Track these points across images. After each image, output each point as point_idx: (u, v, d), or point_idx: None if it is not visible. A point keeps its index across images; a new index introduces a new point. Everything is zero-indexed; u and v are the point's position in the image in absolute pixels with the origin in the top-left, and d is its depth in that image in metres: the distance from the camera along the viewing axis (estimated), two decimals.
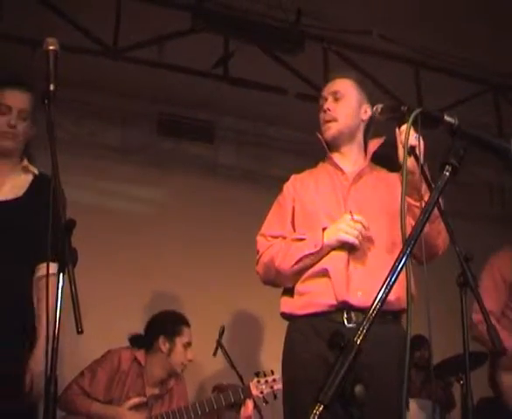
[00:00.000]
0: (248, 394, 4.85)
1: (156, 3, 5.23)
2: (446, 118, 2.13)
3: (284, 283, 3.34)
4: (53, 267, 3.08)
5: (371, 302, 2.71)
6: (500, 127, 6.22)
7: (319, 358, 3.02)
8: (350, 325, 3.07)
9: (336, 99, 3.39)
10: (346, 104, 3.39)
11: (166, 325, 4.98)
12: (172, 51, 5.53)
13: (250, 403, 4.85)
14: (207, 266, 6.51)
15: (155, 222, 6.56)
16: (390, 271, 1.88)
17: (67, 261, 2.23)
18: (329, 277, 3.14)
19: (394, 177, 3.39)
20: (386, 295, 1.85)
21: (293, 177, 3.51)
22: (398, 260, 1.89)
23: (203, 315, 5.78)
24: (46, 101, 2.55)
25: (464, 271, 2.45)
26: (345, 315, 3.09)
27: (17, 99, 3.29)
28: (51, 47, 2.60)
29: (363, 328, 1.78)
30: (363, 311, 2.97)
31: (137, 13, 5.24)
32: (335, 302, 3.10)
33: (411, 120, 2.09)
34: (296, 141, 6.55)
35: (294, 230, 3.36)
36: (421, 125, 2.13)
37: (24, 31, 5.04)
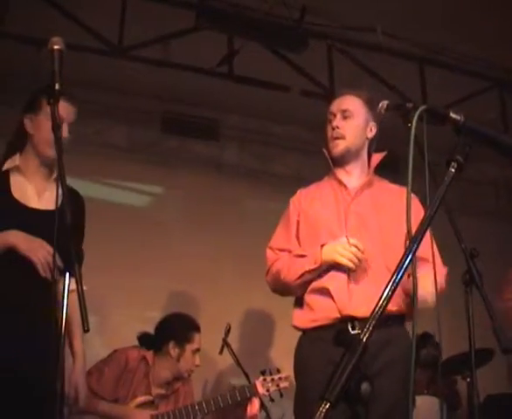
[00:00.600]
0: (254, 393, 4.85)
1: (161, 2, 5.23)
2: (452, 115, 2.13)
3: (291, 293, 3.51)
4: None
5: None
6: (505, 123, 6.21)
7: (328, 362, 2.99)
8: (355, 331, 3.19)
9: (345, 117, 3.45)
10: (354, 123, 3.46)
11: (177, 330, 4.97)
12: (177, 49, 5.54)
13: (256, 402, 4.85)
14: (213, 265, 6.52)
15: (160, 220, 6.57)
16: (396, 268, 1.88)
17: (73, 261, 2.22)
18: (331, 296, 3.27)
19: (396, 189, 3.54)
20: (392, 292, 1.85)
21: (299, 192, 3.62)
22: (404, 258, 1.88)
23: (209, 313, 5.79)
24: (52, 101, 2.56)
25: (469, 268, 2.45)
26: (349, 324, 3.22)
27: (70, 112, 3.29)
28: (56, 46, 2.61)
29: (369, 326, 1.79)
30: (365, 320, 3.01)
31: (142, 12, 5.24)
32: (339, 316, 3.25)
33: (415, 118, 2.09)
34: (301, 139, 6.55)
35: (299, 243, 3.49)
36: (426, 122, 2.13)
37: (29, 31, 5.04)
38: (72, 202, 3.15)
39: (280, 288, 3.53)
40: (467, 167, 2.03)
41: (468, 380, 4.93)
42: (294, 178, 6.25)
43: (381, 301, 1.83)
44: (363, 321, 3.00)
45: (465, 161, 2.03)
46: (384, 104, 2.60)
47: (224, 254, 6.68)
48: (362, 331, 2.92)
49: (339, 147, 3.45)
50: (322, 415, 1.64)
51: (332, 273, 3.30)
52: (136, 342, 4.97)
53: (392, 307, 3.13)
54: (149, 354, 4.90)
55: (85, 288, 3.30)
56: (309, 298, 3.38)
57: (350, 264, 3.23)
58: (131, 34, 5.30)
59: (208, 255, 6.55)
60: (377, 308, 1.82)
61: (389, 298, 1.84)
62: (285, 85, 5.88)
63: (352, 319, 3.21)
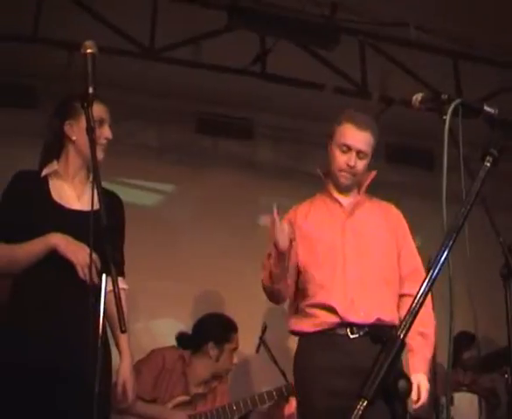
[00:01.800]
0: (291, 392, 4.85)
1: (192, 3, 5.24)
2: (486, 108, 2.11)
3: (278, 298, 3.63)
4: (120, 282, 3.15)
5: (371, 319, 3.25)
6: None
7: (325, 368, 3.34)
8: (354, 335, 3.37)
9: (360, 158, 3.52)
10: (366, 162, 3.56)
11: (216, 330, 5.00)
12: (209, 49, 5.55)
13: (293, 401, 4.85)
14: (249, 264, 6.51)
15: (194, 220, 6.58)
16: (433, 264, 1.87)
17: (110, 262, 2.24)
18: (335, 309, 3.39)
19: (385, 206, 3.73)
20: (429, 289, 1.84)
21: (293, 209, 3.76)
22: (440, 254, 1.87)
23: (245, 313, 5.79)
24: (86, 104, 2.57)
25: (507, 262, 2.42)
26: (348, 329, 3.38)
27: (107, 112, 3.36)
28: (89, 50, 2.62)
29: (406, 322, 1.78)
30: (363, 326, 3.34)
31: (173, 13, 5.26)
32: (339, 321, 3.38)
33: (450, 110, 2.08)
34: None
35: (298, 259, 3.59)
36: (461, 115, 2.12)
37: (60, 35, 5.09)
38: (110, 203, 3.20)
39: (269, 295, 3.63)
40: (501, 160, 2.02)
41: (506, 376, 4.88)
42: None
43: (418, 297, 1.82)
44: (361, 327, 3.34)
45: (499, 155, 2.01)
46: (418, 96, 2.58)
47: (261, 254, 6.68)
48: (359, 336, 3.30)
49: (348, 181, 3.58)
50: (360, 412, 1.63)
51: (334, 287, 3.42)
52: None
53: (386, 318, 3.36)
54: (187, 354, 4.92)
55: (126, 287, 3.35)
56: (309, 309, 3.49)
57: None
58: (163, 35, 5.32)
59: (244, 255, 6.55)
60: (413, 304, 1.81)
61: (426, 295, 1.83)
62: (318, 83, 5.86)
63: (351, 325, 3.35)
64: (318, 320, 3.41)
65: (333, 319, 3.36)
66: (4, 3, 4.93)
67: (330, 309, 3.38)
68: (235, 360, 4.99)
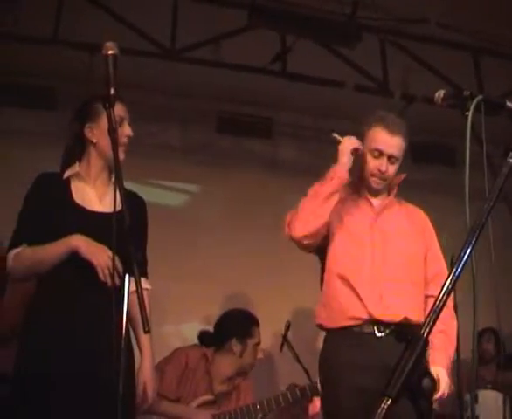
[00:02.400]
0: (315, 392, 4.84)
1: (212, 3, 5.25)
2: (508, 104, 2.10)
3: (317, 224, 3.45)
4: (142, 282, 3.16)
5: (399, 318, 3.22)
6: None
7: (351, 366, 3.30)
8: (380, 334, 3.33)
9: (392, 163, 3.49)
10: (396, 166, 3.52)
11: (238, 326, 5.00)
12: (229, 49, 5.56)
13: (317, 401, 4.85)
14: (272, 262, 6.52)
15: (218, 219, 6.59)
16: (456, 261, 1.86)
17: (132, 262, 2.24)
18: (361, 298, 3.36)
19: (412, 209, 3.69)
20: (452, 286, 1.83)
21: None
22: (463, 251, 1.86)
23: (268, 311, 5.79)
24: (107, 105, 2.58)
25: None
26: (375, 327, 3.34)
27: (126, 110, 3.34)
28: (110, 52, 2.63)
29: (430, 320, 1.77)
30: (390, 324, 3.31)
31: (194, 13, 5.27)
32: (366, 317, 3.33)
33: (473, 106, 2.07)
34: (355, 134, 6.49)
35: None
36: (483, 111, 2.11)
37: (81, 36, 5.11)
38: (133, 204, 3.21)
39: (304, 222, 3.48)
40: None
41: None
42: None
43: (441, 295, 1.81)
44: (387, 325, 3.31)
45: None
46: (440, 93, 2.57)
47: (283, 252, 6.68)
48: (385, 334, 3.27)
49: (380, 186, 3.55)
50: (384, 410, 1.63)
51: (364, 277, 3.39)
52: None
53: (413, 318, 3.32)
54: (210, 352, 4.93)
55: (149, 287, 3.35)
56: (336, 298, 3.45)
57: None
58: (183, 36, 5.33)
59: (266, 253, 6.55)
60: (437, 302, 1.81)
61: (449, 292, 1.82)
62: (338, 81, 5.86)
63: (378, 323, 3.32)
64: (346, 314, 3.38)
65: (361, 314, 3.33)
66: (25, 5, 4.97)
67: (359, 303, 3.35)
68: (259, 355, 4.99)
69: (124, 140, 3.27)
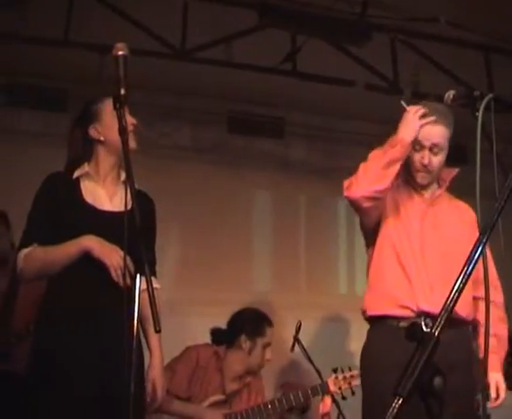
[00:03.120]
0: (326, 391, 4.84)
1: (222, 2, 5.25)
2: None
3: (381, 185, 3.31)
4: (154, 281, 3.18)
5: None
6: None
7: (396, 361, 3.09)
8: (427, 330, 3.12)
9: (435, 153, 3.40)
10: (441, 158, 3.44)
11: (249, 323, 5.00)
12: (240, 48, 5.56)
13: (328, 400, 4.84)
14: (284, 262, 6.53)
15: (229, 219, 6.60)
16: (467, 260, 1.86)
17: (144, 262, 2.25)
18: (412, 286, 3.28)
19: (462, 205, 3.60)
20: (463, 285, 1.83)
21: None
22: (475, 250, 1.86)
23: (280, 311, 5.80)
24: (118, 106, 2.59)
25: None
26: (423, 320, 3.22)
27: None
28: (120, 52, 2.64)
29: (441, 319, 1.77)
30: (437, 318, 3.06)
31: (204, 13, 5.27)
32: (415, 309, 3.25)
33: (482, 106, 2.06)
34: (367, 133, 6.49)
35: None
36: (494, 110, 2.10)
37: (92, 38, 5.12)
38: (142, 204, 3.22)
39: (364, 183, 3.32)
40: None
41: None
42: None
43: (452, 294, 1.81)
44: (436, 319, 3.12)
45: None
46: (450, 94, 2.57)
47: (295, 251, 6.70)
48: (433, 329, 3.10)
49: (426, 180, 3.47)
50: (395, 410, 1.63)
51: (414, 268, 3.31)
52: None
53: (462, 313, 3.22)
54: (221, 349, 4.94)
55: (158, 286, 3.36)
56: (386, 283, 3.37)
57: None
58: (194, 36, 5.33)
59: (277, 252, 6.56)
60: (448, 301, 1.80)
61: (460, 291, 1.82)
62: (349, 80, 5.85)
63: (426, 316, 3.22)
64: (395, 301, 3.30)
65: (410, 303, 3.26)
66: (35, 6, 4.98)
67: (410, 291, 3.28)
68: (268, 357, 4.98)
69: (130, 128, 3.26)
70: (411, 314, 3.25)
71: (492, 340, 3.23)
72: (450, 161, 3.54)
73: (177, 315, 5.67)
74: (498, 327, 3.33)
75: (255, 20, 5.25)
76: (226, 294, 6.18)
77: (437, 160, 3.40)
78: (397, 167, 3.29)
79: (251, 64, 5.67)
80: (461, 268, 1.84)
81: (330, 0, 5.19)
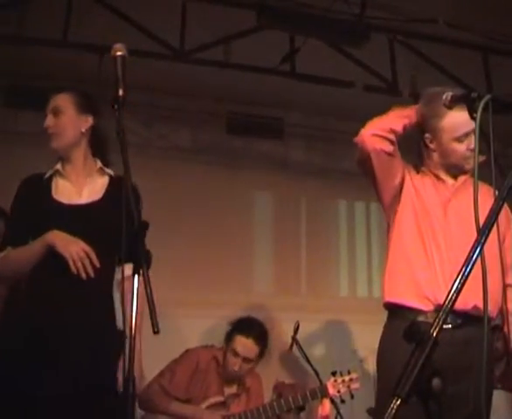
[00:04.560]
0: (325, 394, 4.84)
1: (221, 3, 5.25)
2: None
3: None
4: (129, 268, 3.18)
5: (468, 306, 2.96)
6: None
7: None
8: (446, 326, 3.05)
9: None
10: None
11: (229, 329, 5.02)
12: (238, 49, 5.56)
13: (327, 403, 4.85)
14: (284, 263, 6.53)
15: (229, 220, 6.60)
16: (465, 261, 1.86)
17: (142, 262, 2.25)
18: (436, 277, 3.19)
19: (487, 189, 3.29)
20: (462, 286, 1.83)
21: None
22: (473, 251, 1.86)
23: (280, 313, 5.81)
24: (116, 106, 2.59)
25: None
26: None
27: (52, 101, 3.46)
28: (118, 53, 2.64)
29: (439, 320, 1.77)
30: (458, 314, 3.05)
31: (202, 14, 5.27)
32: (434, 302, 3.14)
33: (480, 108, 2.06)
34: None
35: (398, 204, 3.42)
36: (492, 111, 2.10)
37: (91, 39, 5.12)
38: (121, 190, 3.24)
39: (375, 124, 3.34)
40: None
41: None
42: (361, 174, 6.19)
43: (450, 295, 1.81)
44: (456, 315, 3.06)
45: None
46: (448, 95, 2.57)
47: (292, 251, 6.69)
48: (451, 326, 3.04)
49: (471, 165, 3.37)
50: (393, 411, 1.63)
51: (438, 259, 3.23)
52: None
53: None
54: (220, 353, 4.94)
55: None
56: (409, 270, 3.28)
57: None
58: (192, 37, 5.33)
59: (276, 252, 6.56)
60: (446, 302, 1.80)
61: (458, 292, 1.82)
62: (348, 81, 5.85)
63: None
64: (417, 291, 3.21)
65: (431, 294, 3.16)
66: (34, 7, 4.98)
67: (435, 281, 3.18)
68: (235, 367, 4.91)
69: (48, 131, 3.38)
70: (431, 308, 3.16)
71: None
72: None
73: (175, 317, 5.66)
74: None
75: (254, 21, 5.24)
76: (226, 296, 6.18)
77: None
78: (407, 121, 3.32)
79: (249, 65, 5.67)
80: (460, 269, 1.85)
81: (329, 1, 5.19)
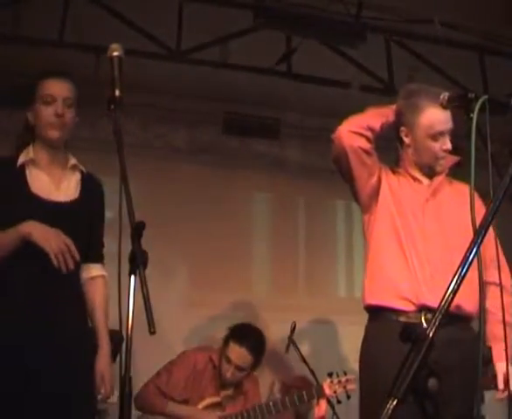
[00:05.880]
0: (322, 394, 4.84)
1: (217, 4, 5.25)
2: None
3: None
4: (99, 269, 3.23)
5: (451, 306, 2.74)
6: None
7: (396, 358, 3.04)
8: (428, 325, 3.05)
9: (449, 136, 3.33)
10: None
11: (227, 332, 5.02)
12: (235, 50, 5.56)
13: (323, 403, 4.85)
14: (282, 264, 6.53)
15: (226, 221, 6.60)
16: (462, 261, 1.86)
17: (138, 263, 2.24)
18: (415, 278, 3.17)
19: (464, 188, 3.38)
20: (458, 286, 1.83)
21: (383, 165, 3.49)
22: (469, 251, 1.86)
23: (278, 313, 5.80)
24: (113, 107, 2.58)
25: None
26: (423, 315, 3.12)
27: (60, 87, 3.27)
28: (115, 53, 2.63)
29: (435, 320, 1.77)
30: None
31: (199, 14, 5.27)
32: (416, 302, 3.14)
33: (477, 108, 2.07)
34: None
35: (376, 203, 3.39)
36: (489, 111, 2.10)
37: (87, 39, 5.12)
38: (94, 189, 3.29)
39: (351, 121, 3.43)
40: None
41: None
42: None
43: (446, 296, 1.82)
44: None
45: None
46: (445, 96, 2.58)
47: (289, 251, 6.69)
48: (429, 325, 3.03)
49: (444, 167, 3.39)
50: (390, 411, 1.63)
51: (417, 260, 3.21)
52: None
53: (467, 307, 3.09)
54: (216, 355, 4.94)
55: (105, 274, 3.36)
56: (387, 275, 3.26)
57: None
58: (189, 37, 5.33)
59: (272, 253, 6.56)
60: (442, 302, 1.81)
61: (455, 292, 1.82)
62: (344, 81, 5.85)
63: (427, 310, 3.10)
64: (396, 292, 3.18)
65: (410, 295, 3.14)
66: (30, 7, 4.98)
67: (413, 281, 3.17)
68: (228, 375, 4.92)
69: (50, 119, 3.22)
70: (412, 308, 3.15)
71: (500, 328, 2.94)
72: None
73: (173, 317, 5.66)
74: (510, 314, 3.04)
75: (250, 21, 5.24)
76: (223, 296, 6.18)
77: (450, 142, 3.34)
78: (383, 120, 3.33)
79: (246, 65, 5.67)
80: (456, 270, 1.85)
81: (325, 1, 5.19)
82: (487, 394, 4.80)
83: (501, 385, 3.24)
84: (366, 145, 3.30)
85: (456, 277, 1.83)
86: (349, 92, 5.85)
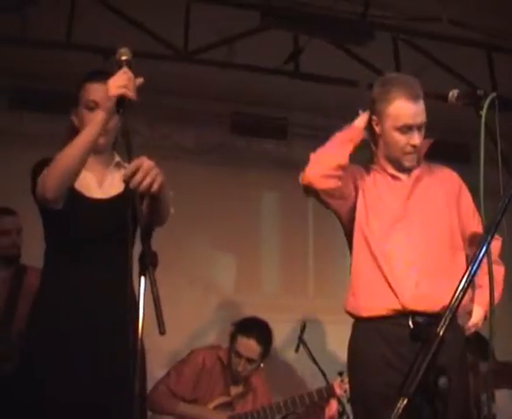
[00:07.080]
0: (332, 394, 4.84)
1: (224, 4, 5.25)
2: None
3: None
4: None
5: (437, 307, 2.75)
6: None
7: (383, 361, 3.08)
8: (416, 328, 3.03)
9: (419, 131, 3.24)
10: (423, 132, 3.27)
11: (234, 328, 5.03)
12: (242, 49, 5.56)
13: (334, 403, 4.85)
14: (291, 264, 6.53)
15: (234, 221, 6.60)
16: (472, 259, 1.86)
17: (148, 263, 2.24)
18: (392, 287, 3.13)
19: (448, 173, 3.43)
20: (468, 284, 1.82)
21: (358, 166, 3.46)
22: (479, 249, 1.85)
23: (288, 313, 5.80)
24: (121, 110, 2.58)
25: None
26: (411, 319, 3.09)
27: (104, 93, 3.23)
28: (123, 57, 2.63)
29: (446, 319, 1.77)
30: (428, 315, 3.00)
31: (206, 15, 5.27)
32: (400, 307, 3.11)
33: (486, 105, 2.06)
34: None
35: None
36: (497, 108, 2.10)
37: (95, 40, 5.12)
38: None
39: (316, 162, 3.50)
40: None
41: None
42: None
43: (457, 294, 1.81)
44: (424, 316, 3.02)
45: None
46: (454, 93, 2.57)
47: (299, 251, 6.69)
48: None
49: (414, 161, 3.30)
50: (400, 410, 1.62)
51: (394, 263, 3.16)
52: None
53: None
54: (224, 354, 4.95)
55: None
56: (366, 286, 3.22)
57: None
58: (196, 37, 5.33)
59: (282, 252, 6.56)
60: (453, 301, 1.80)
61: (465, 291, 1.82)
62: (352, 80, 5.84)
63: (413, 314, 3.08)
64: (377, 304, 3.15)
65: (393, 304, 3.10)
66: (38, 9, 4.99)
67: (391, 293, 3.12)
68: (239, 368, 4.92)
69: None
70: (397, 314, 3.11)
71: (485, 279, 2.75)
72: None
73: (182, 316, 5.66)
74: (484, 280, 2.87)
75: (257, 21, 5.24)
76: (232, 297, 6.18)
77: (421, 136, 3.24)
78: (350, 147, 3.31)
79: (253, 65, 5.67)
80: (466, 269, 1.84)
81: (332, 0, 5.19)
82: (498, 393, 4.80)
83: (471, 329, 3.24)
84: (337, 183, 3.26)
85: (467, 275, 1.83)
86: (356, 91, 5.84)
